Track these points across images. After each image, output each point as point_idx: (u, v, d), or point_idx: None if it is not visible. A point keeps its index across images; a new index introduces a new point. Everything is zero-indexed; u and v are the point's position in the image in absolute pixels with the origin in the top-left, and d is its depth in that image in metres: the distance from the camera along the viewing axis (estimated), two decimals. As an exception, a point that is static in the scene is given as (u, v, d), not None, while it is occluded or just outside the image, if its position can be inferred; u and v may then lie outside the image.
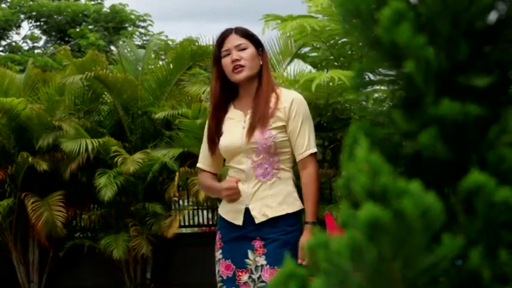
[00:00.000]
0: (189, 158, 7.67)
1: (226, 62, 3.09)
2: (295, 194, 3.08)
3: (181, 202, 9.20)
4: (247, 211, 3.05)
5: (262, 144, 3.02)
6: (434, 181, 1.01)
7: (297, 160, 3.07)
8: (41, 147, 7.74)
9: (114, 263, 7.94)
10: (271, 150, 3.03)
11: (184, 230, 9.47)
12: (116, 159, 7.46)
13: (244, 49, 3.09)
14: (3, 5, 19.96)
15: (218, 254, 3.13)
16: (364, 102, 1.17)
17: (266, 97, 3.06)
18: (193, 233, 9.90)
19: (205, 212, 9.42)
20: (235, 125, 3.12)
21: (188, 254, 8.51)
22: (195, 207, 9.17)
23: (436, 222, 0.90)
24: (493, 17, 1.05)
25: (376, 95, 1.18)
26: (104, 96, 8.40)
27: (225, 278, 3.08)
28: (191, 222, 9.54)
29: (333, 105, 6.48)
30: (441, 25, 1.01)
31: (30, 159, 7.47)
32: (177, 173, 7.39)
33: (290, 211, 3.03)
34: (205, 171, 3.28)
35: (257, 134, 3.02)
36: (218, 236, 3.16)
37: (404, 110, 1.06)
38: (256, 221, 3.02)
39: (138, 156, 7.49)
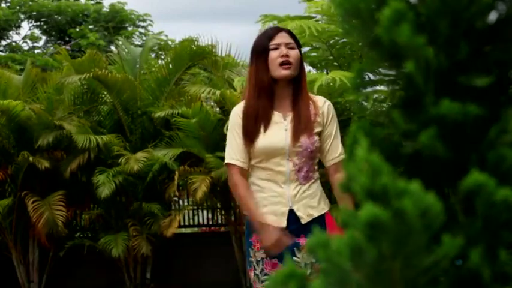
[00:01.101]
0: (189, 158, 7.67)
1: (274, 55, 3.10)
2: (324, 194, 3.21)
3: (181, 202, 9.21)
4: (291, 213, 3.10)
5: (308, 149, 3.09)
6: (434, 181, 1.01)
7: (329, 163, 3.16)
8: (41, 146, 7.74)
9: (114, 263, 7.94)
10: (312, 155, 3.12)
11: (184, 230, 9.48)
12: (120, 159, 7.46)
13: (292, 48, 3.13)
14: (3, 5, 19.96)
15: (260, 254, 3.13)
16: (364, 103, 1.17)
17: (307, 102, 3.13)
18: (193, 233, 9.90)
19: (205, 212, 9.42)
20: (275, 126, 3.12)
21: (188, 254, 8.52)
22: (195, 207, 9.17)
23: (436, 222, 0.90)
24: (493, 16, 1.05)
25: (376, 95, 1.18)
26: (103, 96, 8.40)
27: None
28: (191, 222, 9.54)
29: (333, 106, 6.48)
30: (441, 25, 1.01)
31: (30, 158, 7.47)
32: (176, 172, 7.39)
33: (327, 208, 3.17)
34: (238, 167, 3.15)
35: (304, 138, 3.08)
36: (255, 237, 3.13)
37: (404, 110, 1.06)
38: (303, 222, 3.09)
39: (141, 155, 7.50)
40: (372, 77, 1.11)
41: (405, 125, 1.03)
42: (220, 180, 7.23)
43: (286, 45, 3.13)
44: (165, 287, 8.36)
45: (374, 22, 1.03)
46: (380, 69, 1.10)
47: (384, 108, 1.16)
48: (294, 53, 3.12)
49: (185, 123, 7.44)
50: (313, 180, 3.14)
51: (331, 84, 5.63)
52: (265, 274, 3.11)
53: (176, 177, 7.43)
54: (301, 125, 3.09)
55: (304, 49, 6.58)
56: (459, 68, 1.02)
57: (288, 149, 3.08)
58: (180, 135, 7.61)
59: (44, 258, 8.19)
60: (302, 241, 3.07)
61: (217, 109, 8.13)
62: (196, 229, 9.84)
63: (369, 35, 1.06)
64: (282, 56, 3.09)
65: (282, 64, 3.09)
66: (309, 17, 6.14)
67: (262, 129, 3.12)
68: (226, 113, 7.21)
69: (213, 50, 8.19)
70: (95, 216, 8.18)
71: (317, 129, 3.12)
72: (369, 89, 1.13)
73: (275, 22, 6.01)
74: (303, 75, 3.19)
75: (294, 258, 3.06)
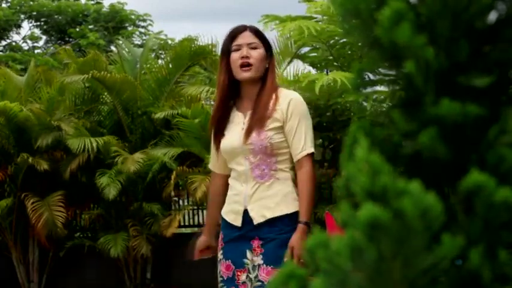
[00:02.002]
0: (188, 158, 7.67)
1: (235, 56, 3.06)
2: (294, 195, 3.06)
3: (181, 202, 9.21)
4: (245, 212, 3.05)
5: (259, 145, 3.01)
6: (434, 181, 1.01)
7: (294, 160, 3.04)
8: (40, 147, 7.74)
9: (114, 263, 7.94)
10: (268, 151, 3.02)
11: (184, 230, 9.47)
12: (116, 159, 7.46)
13: (255, 48, 3.07)
14: (3, 5, 19.96)
15: (219, 255, 3.15)
16: (364, 103, 1.18)
17: (266, 100, 3.04)
18: (193, 233, 9.90)
19: (205, 211, 9.42)
20: (234, 126, 3.11)
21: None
22: (195, 207, 9.17)
23: (436, 222, 0.90)
24: (492, 17, 1.05)
25: (376, 95, 1.18)
26: (103, 96, 8.40)
27: (225, 278, 3.09)
28: (191, 222, 9.53)
29: (333, 106, 6.48)
30: (441, 25, 1.01)
31: (30, 159, 7.47)
32: (174, 172, 7.39)
33: (288, 211, 3.02)
34: (214, 173, 3.29)
35: (254, 135, 3.01)
36: (220, 236, 3.18)
37: (404, 110, 1.06)
38: (255, 222, 3.02)
39: (139, 155, 7.50)
40: (372, 77, 1.11)
41: (405, 125, 1.03)
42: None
43: (248, 45, 3.07)
44: (165, 287, 8.36)
45: (374, 22, 1.03)
46: (380, 69, 1.10)
47: (384, 109, 1.16)
48: (255, 54, 3.06)
49: (186, 123, 7.44)
50: (274, 180, 3.04)
51: (332, 84, 5.63)
52: (220, 276, 3.13)
53: (173, 177, 7.43)
54: (252, 122, 3.03)
55: (304, 49, 6.58)
56: (459, 68, 1.02)
57: (241, 147, 3.04)
58: (180, 135, 7.61)
59: (44, 258, 8.19)
60: (255, 242, 3.02)
61: (217, 109, 8.13)
62: (196, 229, 9.84)
63: (369, 35, 1.06)
64: (242, 57, 3.04)
65: (242, 66, 3.04)
66: (310, 17, 6.14)
67: (225, 131, 3.13)
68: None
69: (213, 50, 8.19)
70: (95, 216, 8.18)
71: (273, 125, 3.02)
72: (369, 89, 1.13)
73: (276, 22, 6.01)
74: (270, 73, 3.10)
75: (244, 260, 3.04)
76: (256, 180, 3.04)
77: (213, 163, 3.28)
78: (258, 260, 3.01)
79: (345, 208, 0.95)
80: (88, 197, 8.07)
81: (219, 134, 3.15)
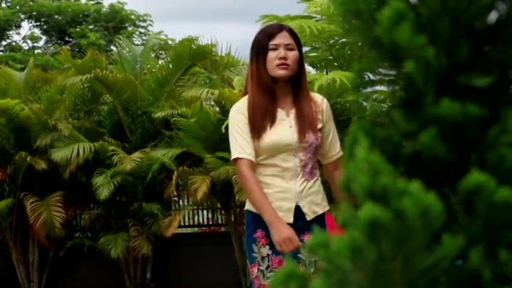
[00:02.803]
0: (188, 158, 7.67)
1: (272, 56, 3.14)
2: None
3: (181, 202, 9.20)
4: (297, 209, 3.13)
5: (313, 144, 3.14)
6: (434, 181, 1.01)
7: (329, 160, 3.25)
8: (39, 147, 7.74)
9: (114, 263, 7.94)
10: (317, 151, 3.19)
11: (184, 230, 9.47)
12: (113, 158, 7.46)
13: (291, 49, 3.17)
14: (3, 5, 19.95)
15: (265, 250, 3.12)
16: (364, 103, 1.18)
17: (309, 99, 3.20)
18: (193, 233, 9.90)
19: (205, 211, 9.42)
20: (280, 123, 3.16)
21: (188, 254, 8.51)
22: (195, 207, 9.17)
23: (436, 222, 0.90)
24: (493, 17, 1.05)
25: (376, 95, 1.18)
26: (103, 96, 8.40)
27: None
28: (191, 222, 9.53)
29: (333, 106, 6.48)
30: (441, 25, 1.01)
31: (28, 158, 7.46)
32: (175, 172, 7.39)
33: (328, 207, 3.23)
34: (248, 161, 3.13)
35: (309, 134, 3.14)
36: (261, 233, 3.13)
37: (404, 110, 1.06)
38: (308, 218, 3.13)
39: (136, 155, 7.49)
40: (371, 77, 1.12)
41: (405, 125, 1.03)
42: (219, 180, 7.24)
43: (286, 46, 3.15)
44: (165, 287, 8.36)
45: (374, 22, 1.03)
46: (380, 69, 1.10)
47: (384, 108, 1.17)
48: (292, 55, 3.16)
49: (185, 123, 7.44)
50: (316, 177, 3.19)
51: (331, 84, 5.63)
52: (271, 271, 3.12)
53: (175, 178, 7.43)
54: (306, 122, 3.15)
55: (304, 49, 6.58)
56: (459, 68, 1.03)
57: (295, 144, 3.13)
58: (180, 135, 7.61)
59: (44, 258, 8.19)
60: (307, 238, 3.09)
61: (217, 109, 8.13)
62: (196, 229, 9.84)
63: (369, 35, 1.06)
64: (280, 58, 3.12)
65: (279, 65, 3.13)
66: (308, 17, 6.14)
67: (268, 126, 3.15)
68: (225, 112, 7.20)
69: (213, 50, 8.19)
70: (94, 216, 8.18)
71: (319, 126, 3.18)
72: (368, 89, 1.13)
73: (275, 22, 6.01)
74: (303, 74, 3.24)
75: (299, 255, 3.06)
76: (305, 177, 3.15)
77: (248, 152, 3.13)
78: (315, 255, 3.04)
79: (345, 208, 0.95)
80: (88, 197, 8.06)
81: (261, 127, 3.13)
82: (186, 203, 9.10)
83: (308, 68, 6.99)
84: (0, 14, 19.11)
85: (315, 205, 3.17)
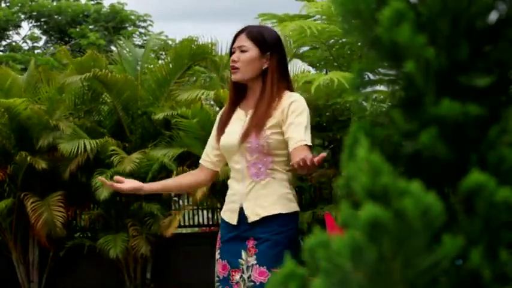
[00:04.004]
0: (188, 158, 7.67)
1: (231, 59, 3.16)
2: (290, 196, 3.07)
3: (180, 202, 9.20)
4: (241, 210, 3.07)
5: (255, 144, 3.03)
6: (434, 181, 1.01)
7: (291, 150, 2.97)
8: (41, 147, 7.74)
9: (114, 263, 7.94)
10: (265, 150, 3.03)
11: (184, 230, 9.47)
12: (112, 158, 7.46)
13: (244, 51, 3.11)
14: (3, 5, 19.95)
15: (217, 254, 3.16)
16: (364, 103, 1.18)
17: (268, 99, 3.06)
18: (193, 233, 9.90)
19: (205, 212, 9.42)
20: (235, 123, 3.15)
21: (188, 254, 8.51)
22: (195, 207, 9.17)
23: (437, 222, 0.90)
24: (493, 16, 1.05)
25: (375, 95, 1.18)
26: (103, 96, 8.40)
27: (221, 278, 3.10)
28: (191, 222, 9.53)
29: (332, 106, 6.48)
30: (441, 25, 1.01)
31: (28, 158, 7.46)
32: (174, 172, 7.39)
33: (283, 211, 3.02)
34: (201, 165, 3.33)
35: (253, 134, 3.04)
36: (218, 236, 3.19)
37: (405, 110, 1.05)
38: (249, 220, 3.03)
39: (136, 156, 7.49)
40: (371, 77, 1.11)
41: (405, 125, 1.03)
42: (219, 180, 7.24)
43: (239, 48, 3.13)
44: (165, 287, 8.36)
45: (374, 22, 1.03)
46: (380, 69, 1.10)
47: (384, 108, 1.17)
48: (243, 57, 3.10)
49: (185, 123, 7.44)
50: (270, 179, 3.04)
51: (330, 84, 5.64)
52: (217, 276, 3.12)
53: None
54: (253, 121, 3.06)
55: (304, 49, 6.59)
56: (459, 68, 1.02)
57: (237, 146, 3.07)
58: (180, 135, 7.61)
59: (44, 258, 8.19)
60: (249, 242, 3.03)
61: (217, 109, 8.14)
62: (196, 229, 9.84)
63: (369, 35, 1.06)
64: (231, 61, 3.14)
65: (232, 69, 3.14)
66: (306, 16, 6.14)
67: (225, 128, 3.18)
68: (226, 113, 7.20)
69: (213, 48, 8.19)
70: (94, 216, 8.18)
71: (271, 124, 3.03)
72: (368, 89, 1.13)
73: (274, 21, 6.01)
74: (269, 74, 3.10)
75: (239, 260, 3.04)
76: (252, 179, 3.05)
77: (204, 157, 3.32)
78: (252, 260, 3.01)
79: (345, 208, 0.95)
80: (88, 197, 8.07)
81: (221, 131, 3.19)
82: (185, 203, 9.10)
83: (308, 68, 6.99)
84: (0, 14, 19.10)
85: (260, 207, 3.02)
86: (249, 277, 3.01)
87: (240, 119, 3.15)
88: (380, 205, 0.89)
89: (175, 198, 9.05)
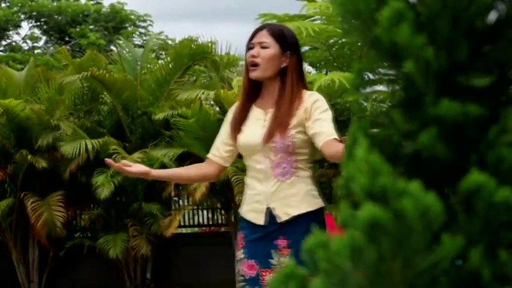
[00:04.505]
0: (188, 158, 7.67)
1: (247, 55, 3.10)
2: (315, 192, 3.05)
3: (181, 202, 9.21)
4: (268, 211, 3.04)
5: (281, 144, 3.00)
6: (434, 181, 1.01)
7: (322, 145, 2.93)
8: (41, 146, 7.74)
9: (114, 263, 7.94)
10: (290, 150, 3.01)
11: (184, 230, 9.47)
12: (113, 157, 7.46)
13: (265, 48, 3.07)
14: (3, 5, 19.95)
15: (240, 254, 3.12)
16: (364, 103, 1.18)
17: (289, 100, 3.03)
18: (193, 233, 9.90)
19: (205, 211, 9.42)
20: (255, 123, 3.12)
21: (188, 254, 8.51)
22: (195, 207, 9.17)
23: (436, 222, 0.90)
24: (492, 16, 1.04)
25: (375, 95, 1.18)
26: (103, 96, 8.40)
27: (247, 277, 3.06)
28: (191, 222, 9.53)
29: (333, 107, 6.48)
30: (441, 25, 1.01)
31: (29, 157, 7.47)
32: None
33: (311, 209, 3.02)
34: (208, 158, 3.29)
35: (277, 134, 3.01)
36: (240, 235, 3.14)
37: (404, 110, 1.05)
38: (279, 221, 3.01)
39: (137, 155, 7.49)
40: (371, 77, 1.11)
41: (405, 125, 1.03)
42: (219, 180, 7.23)
43: (259, 44, 3.08)
44: (165, 287, 8.36)
45: (374, 22, 1.03)
46: (380, 69, 1.10)
47: (384, 108, 1.16)
48: (264, 53, 3.06)
49: (185, 123, 7.44)
50: (295, 178, 3.02)
51: (331, 85, 5.64)
52: (241, 275, 3.09)
53: (174, 178, 7.42)
54: (276, 121, 3.02)
55: (303, 49, 6.58)
56: (459, 68, 1.02)
57: (261, 146, 3.04)
58: (180, 135, 7.61)
59: (44, 258, 8.19)
60: (280, 243, 3.01)
61: (217, 109, 8.14)
62: (196, 229, 9.84)
63: (369, 35, 1.06)
64: (251, 56, 3.07)
65: (250, 65, 3.08)
66: (306, 17, 6.14)
67: (244, 127, 3.13)
68: (225, 112, 7.20)
69: (213, 47, 8.19)
70: (94, 216, 8.18)
71: (295, 123, 3.01)
72: (368, 89, 1.12)
73: (274, 21, 6.02)
74: (288, 73, 3.08)
75: (270, 260, 3.01)
76: (277, 178, 3.03)
77: (214, 152, 3.28)
78: (286, 261, 2.98)
79: (345, 208, 0.95)
80: (88, 197, 8.07)
81: (237, 128, 3.15)
82: (185, 203, 9.10)
83: (308, 68, 6.98)
84: (0, 14, 19.10)
85: (289, 207, 3.01)
86: None
87: (258, 119, 3.11)
88: (379, 205, 0.89)
89: (175, 198, 9.05)
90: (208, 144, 7.59)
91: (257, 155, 3.08)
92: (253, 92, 3.17)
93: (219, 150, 3.26)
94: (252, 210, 3.09)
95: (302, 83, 3.14)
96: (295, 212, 3.00)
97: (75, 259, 8.37)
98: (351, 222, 0.92)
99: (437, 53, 1.00)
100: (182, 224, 9.03)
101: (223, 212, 8.54)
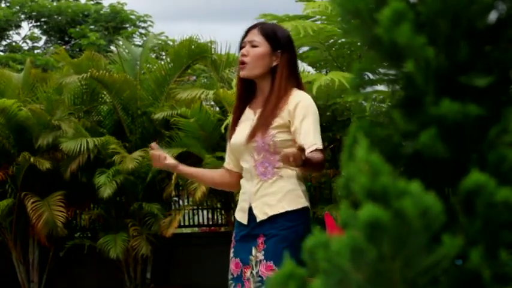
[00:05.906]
0: (188, 158, 7.67)
1: (239, 54, 3.09)
2: (299, 192, 3.03)
3: (181, 202, 9.21)
4: (250, 210, 3.05)
5: (261, 143, 3.00)
6: (434, 181, 1.01)
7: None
8: (41, 146, 7.74)
9: (114, 263, 7.94)
10: (271, 149, 3.00)
11: (184, 230, 9.47)
12: (114, 157, 7.46)
13: (255, 46, 3.06)
14: (3, 5, 19.95)
15: (231, 253, 3.15)
16: (363, 103, 1.17)
17: (276, 98, 3.02)
18: (193, 233, 9.90)
19: (205, 211, 9.42)
20: (244, 123, 3.12)
21: (188, 254, 8.51)
22: (195, 207, 9.17)
23: (436, 222, 0.90)
24: (493, 16, 1.04)
25: (375, 95, 1.18)
26: (103, 96, 8.40)
27: (234, 276, 3.10)
28: (191, 222, 9.53)
29: (332, 106, 6.48)
30: (441, 25, 1.01)
31: (31, 159, 7.47)
32: (174, 173, 7.40)
33: (290, 208, 3.00)
34: (228, 169, 3.26)
35: (258, 134, 3.01)
36: (233, 235, 3.18)
37: (404, 110, 1.05)
38: (257, 220, 3.02)
39: (138, 154, 7.49)
40: (371, 77, 1.11)
41: (405, 125, 1.03)
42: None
43: (250, 43, 3.06)
44: (165, 287, 8.36)
45: (373, 22, 1.03)
46: (380, 69, 1.10)
47: (384, 108, 1.16)
48: (253, 52, 3.04)
49: (185, 123, 7.44)
50: (277, 177, 3.01)
51: (330, 85, 5.64)
52: (231, 274, 3.12)
53: (174, 177, 7.43)
54: (260, 121, 3.02)
55: (303, 49, 6.58)
56: (459, 68, 1.02)
57: (244, 145, 3.05)
58: (180, 135, 7.61)
59: (44, 258, 8.19)
60: (259, 239, 3.02)
61: (217, 109, 8.13)
62: (196, 229, 9.84)
63: (369, 35, 1.06)
64: (241, 55, 3.06)
65: (240, 64, 3.07)
66: (306, 17, 6.14)
67: (235, 127, 3.15)
68: (225, 112, 7.21)
69: (213, 47, 8.19)
70: (95, 216, 8.18)
71: (277, 124, 2.99)
72: (368, 89, 1.12)
73: (274, 21, 6.01)
74: (278, 72, 3.06)
75: (249, 256, 3.03)
76: (259, 178, 3.03)
77: (227, 161, 3.28)
78: (260, 255, 3.01)
79: (345, 208, 0.95)
80: (88, 197, 8.07)
81: (232, 131, 3.18)
82: (185, 203, 9.10)
83: (308, 68, 6.98)
84: (0, 14, 19.10)
85: (267, 206, 3.00)
86: (257, 272, 3.01)
87: (249, 119, 3.12)
88: (379, 205, 0.89)
89: (175, 198, 9.05)
90: (207, 144, 7.62)
91: (245, 154, 3.09)
92: (247, 93, 3.17)
93: (230, 158, 3.26)
94: (239, 210, 3.13)
95: (293, 82, 3.11)
96: (272, 211, 3.00)
97: (75, 259, 8.37)
98: (351, 222, 0.92)
99: (437, 53, 1.00)
100: (182, 224, 9.03)
101: (223, 212, 8.54)
